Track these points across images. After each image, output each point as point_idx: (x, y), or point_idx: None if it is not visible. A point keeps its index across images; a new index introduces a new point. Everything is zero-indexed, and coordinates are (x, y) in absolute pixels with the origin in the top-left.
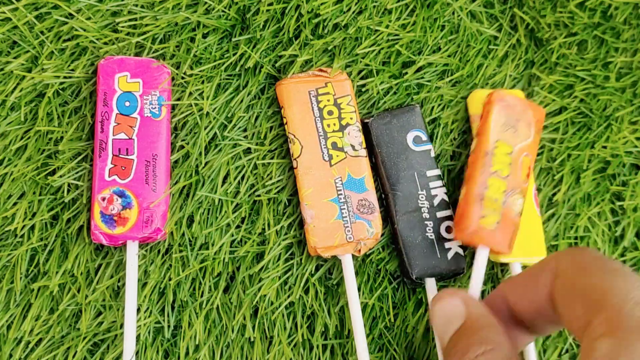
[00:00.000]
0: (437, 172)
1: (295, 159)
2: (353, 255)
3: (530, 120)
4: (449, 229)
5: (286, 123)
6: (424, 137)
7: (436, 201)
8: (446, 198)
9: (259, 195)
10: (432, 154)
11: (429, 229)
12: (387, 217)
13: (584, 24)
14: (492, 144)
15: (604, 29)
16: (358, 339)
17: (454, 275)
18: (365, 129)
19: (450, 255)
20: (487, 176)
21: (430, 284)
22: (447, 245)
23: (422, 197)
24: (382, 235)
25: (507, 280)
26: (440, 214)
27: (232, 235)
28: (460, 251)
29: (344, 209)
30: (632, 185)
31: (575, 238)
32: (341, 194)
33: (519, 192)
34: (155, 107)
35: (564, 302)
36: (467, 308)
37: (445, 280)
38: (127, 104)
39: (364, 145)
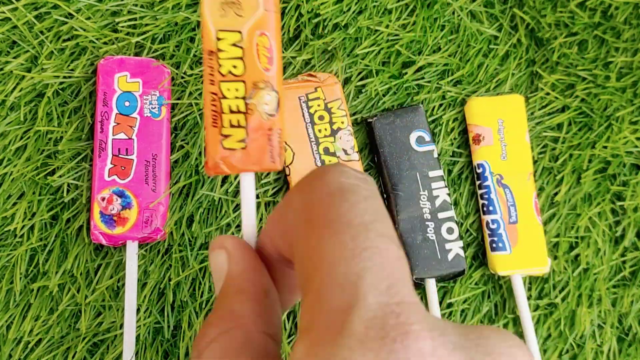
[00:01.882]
0: (440, 172)
1: (287, 166)
2: None
3: None
4: (450, 230)
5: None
6: (427, 138)
7: (438, 202)
8: (448, 199)
9: (257, 197)
10: (435, 155)
11: (430, 230)
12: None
13: (585, 24)
14: (213, 37)
15: (605, 28)
16: None
17: (454, 276)
18: (369, 128)
19: (450, 256)
20: (219, 82)
21: (431, 284)
22: (447, 246)
23: (423, 198)
24: None
25: (268, 218)
26: (441, 215)
27: (233, 234)
28: (461, 252)
29: None
30: (632, 185)
31: (576, 237)
32: None
33: (264, 87)
34: (155, 107)
35: (294, 256)
36: (229, 265)
37: (445, 281)
38: (127, 103)
39: (356, 149)
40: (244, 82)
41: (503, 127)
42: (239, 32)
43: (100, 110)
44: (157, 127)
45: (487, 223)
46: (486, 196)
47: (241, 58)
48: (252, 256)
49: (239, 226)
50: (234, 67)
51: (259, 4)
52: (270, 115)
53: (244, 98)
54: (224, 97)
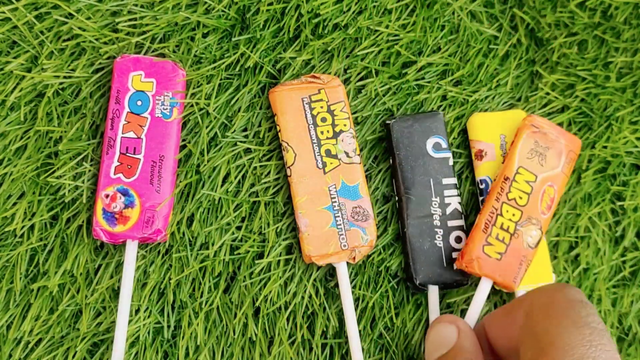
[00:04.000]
0: (454, 180)
1: (288, 167)
2: (348, 263)
3: (561, 149)
4: (458, 239)
5: (279, 131)
6: (444, 145)
7: (449, 210)
8: (459, 208)
9: (257, 196)
10: (450, 162)
11: (438, 237)
12: (398, 220)
13: (584, 24)
14: (514, 170)
15: (604, 28)
16: (353, 347)
17: (457, 285)
18: (387, 131)
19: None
20: (502, 202)
21: (433, 291)
22: (454, 255)
23: (435, 204)
24: (377, 241)
25: (489, 314)
26: (451, 223)
27: (233, 234)
28: None
29: (338, 216)
30: (632, 185)
31: (576, 237)
32: (335, 202)
33: (535, 223)
34: (166, 108)
35: (523, 343)
36: (459, 339)
37: (448, 290)
38: (139, 103)
39: (357, 152)
40: (522, 212)
41: (505, 142)
42: (535, 175)
43: (112, 108)
44: (167, 128)
45: None
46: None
47: (528, 194)
48: (477, 340)
49: (239, 226)
50: (520, 198)
51: (559, 165)
52: (530, 247)
53: (516, 223)
54: (501, 215)
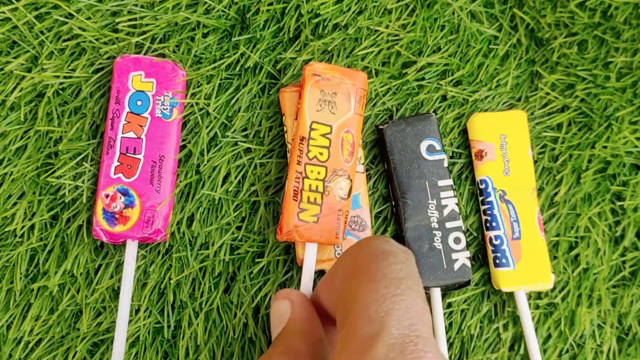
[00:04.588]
0: (449, 182)
1: None
2: None
3: (349, 90)
4: (457, 240)
5: (286, 132)
6: (438, 147)
7: (446, 211)
8: (457, 209)
9: (257, 196)
10: (445, 164)
11: (437, 239)
12: (396, 225)
13: (584, 24)
14: (307, 127)
15: (604, 28)
16: None
17: (459, 286)
18: (380, 136)
19: (457, 266)
20: (305, 164)
21: (436, 294)
22: (454, 256)
23: (432, 207)
24: None
25: (320, 280)
26: (449, 225)
27: (233, 234)
28: (468, 263)
29: None
30: (632, 185)
31: (576, 238)
32: None
33: (342, 174)
34: (166, 108)
35: (337, 308)
36: (292, 312)
37: (450, 291)
38: (139, 103)
39: (362, 160)
40: (326, 167)
41: (506, 142)
42: (330, 126)
43: (112, 108)
44: (167, 129)
45: (490, 239)
46: (489, 212)
47: (327, 147)
48: (312, 309)
49: (239, 226)
50: (320, 153)
51: (351, 108)
52: (342, 199)
53: (323, 180)
54: (307, 177)
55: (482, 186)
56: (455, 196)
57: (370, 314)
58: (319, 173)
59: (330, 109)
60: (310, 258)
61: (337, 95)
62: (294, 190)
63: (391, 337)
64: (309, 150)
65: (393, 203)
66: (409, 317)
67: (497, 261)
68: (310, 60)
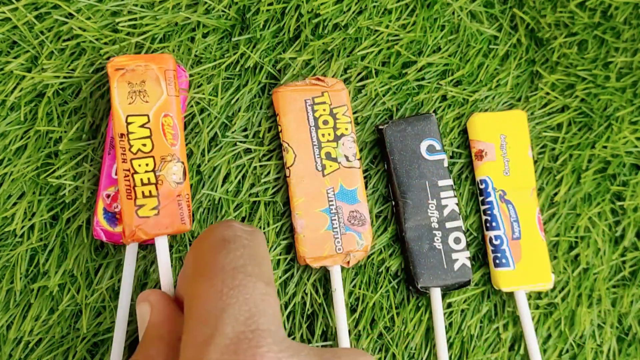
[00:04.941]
0: (449, 182)
1: (288, 168)
2: (342, 267)
3: (156, 75)
4: (457, 240)
5: (281, 131)
6: (438, 147)
7: (446, 211)
8: (457, 209)
9: (257, 196)
10: (445, 164)
11: (437, 239)
12: (396, 225)
13: (584, 24)
14: (124, 123)
15: (604, 28)
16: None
17: (459, 286)
18: (380, 136)
19: (457, 266)
20: (130, 160)
21: (435, 294)
22: (454, 256)
23: (432, 207)
24: (373, 245)
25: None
26: (449, 225)
27: None
28: (468, 262)
29: (335, 219)
30: (632, 185)
31: (576, 238)
32: (332, 205)
33: (170, 159)
34: None
35: (184, 305)
36: (151, 315)
37: (450, 291)
38: None
39: (358, 156)
40: (152, 157)
41: (505, 142)
42: (146, 115)
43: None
44: None
45: (490, 239)
46: (489, 212)
47: (149, 137)
48: (171, 308)
49: None
50: (143, 145)
51: (163, 91)
52: (178, 183)
53: (153, 171)
54: (136, 172)
55: (482, 186)
56: (455, 196)
57: (204, 315)
58: (147, 165)
59: (142, 98)
60: (163, 254)
61: (146, 82)
62: (127, 189)
63: (225, 338)
64: (131, 145)
65: (393, 203)
66: (246, 310)
67: (497, 261)
68: (310, 60)
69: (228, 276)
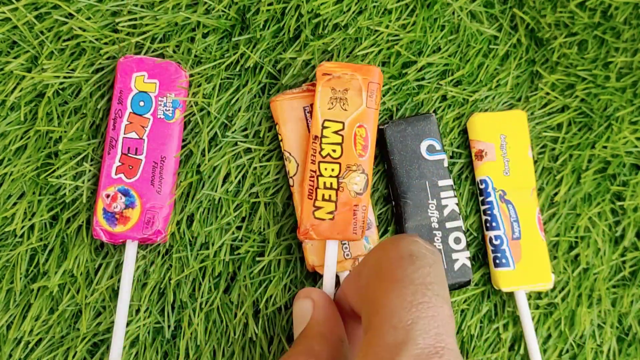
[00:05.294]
0: (449, 182)
1: (291, 177)
2: None
3: (359, 85)
4: (457, 240)
5: (281, 140)
6: (438, 147)
7: (446, 211)
8: (457, 209)
9: (257, 196)
10: (445, 164)
11: (437, 239)
12: (396, 225)
13: (584, 24)
14: (320, 126)
15: (604, 28)
16: None
17: (460, 286)
18: (380, 136)
19: (457, 266)
20: (318, 162)
21: None
22: (454, 256)
23: (432, 207)
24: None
25: (345, 277)
26: (449, 225)
27: (233, 234)
28: (468, 263)
29: None
30: (632, 185)
31: (576, 238)
32: None
33: (356, 169)
34: (169, 110)
35: (362, 308)
36: (313, 312)
37: (450, 291)
38: (142, 103)
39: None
40: (339, 164)
41: (506, 142)
42: (342, 122)
43: (114, 108)
44: (169, 130)
45: (490, 239)
46: (489, 212)
47: (340, 144)
48: (333, 308)
49: (239, 226)
50: (333, 151)
51: (362, 102)
52: (358, 194)
53: (337, 177)
54: (321, 175)
55: (482, 186)
56: (455, 196)
57: (396, 322)
58: (332, 170)
59: (342, 105)
60: (331, 256)
61: (349, 91)
62: (309, 189)
63: (416, 347)
64: (322, 149)
65: (393, 203)
66: (435, 326)
67: (497, 261)
68: (310, 60)
69: (418, 290)
